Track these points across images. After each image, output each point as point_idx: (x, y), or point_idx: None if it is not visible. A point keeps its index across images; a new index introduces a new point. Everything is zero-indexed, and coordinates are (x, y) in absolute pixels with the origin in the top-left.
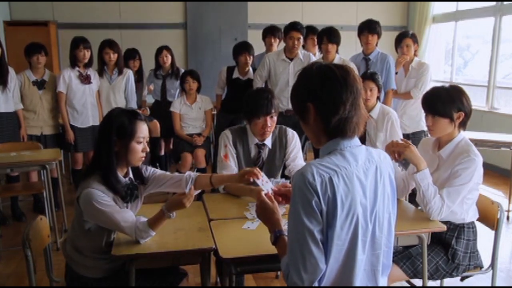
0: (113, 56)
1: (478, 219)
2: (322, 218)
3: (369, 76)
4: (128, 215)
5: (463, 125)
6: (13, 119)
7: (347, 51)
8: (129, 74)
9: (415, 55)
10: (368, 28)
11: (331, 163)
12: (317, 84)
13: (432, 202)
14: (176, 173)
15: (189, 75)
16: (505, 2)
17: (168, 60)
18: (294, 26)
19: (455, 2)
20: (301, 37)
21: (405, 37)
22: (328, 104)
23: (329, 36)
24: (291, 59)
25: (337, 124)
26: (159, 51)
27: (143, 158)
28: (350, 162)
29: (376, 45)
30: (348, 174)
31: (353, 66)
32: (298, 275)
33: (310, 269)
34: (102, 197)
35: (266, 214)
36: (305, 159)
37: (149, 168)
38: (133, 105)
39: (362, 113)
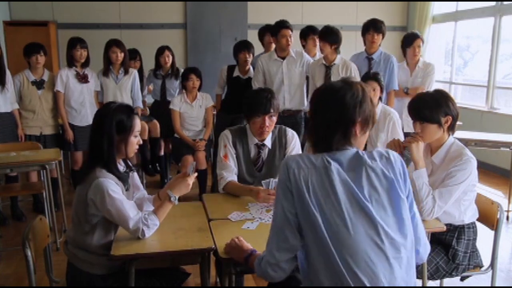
0: (120, 56)
1: (478, 219)
2: (294, 200)
3: (371, 76)
4: (134, 207)
5: (452, 129)
6: (12, 118)
7: (347, 51)
8: (135, 73)
9: (420, 55)
10: (374, 27)
11: (313, 159)
12: (314, 101)
13: (424, 202)
14: (143, 192)
15: (193, 72)
16: (504, 2)
17: (169, 60)
18: (284, 24)
19: (455, 3)
20: (291, 34)
21: (417, 38)
22: (314, 121)
23: (325, 36)
24: (283, 58)
25: (319, 139)
26: (161, 51)
27: (136, 150)
28: (331, 164)
29: (379, 45)
30: (324, 171)
31: (354, 67)
32: (271, 254)
33: (282, 246)
34: (114, 186)
35: (234, 249)
36: None
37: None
38: (139, 104)
39: (348, 130)
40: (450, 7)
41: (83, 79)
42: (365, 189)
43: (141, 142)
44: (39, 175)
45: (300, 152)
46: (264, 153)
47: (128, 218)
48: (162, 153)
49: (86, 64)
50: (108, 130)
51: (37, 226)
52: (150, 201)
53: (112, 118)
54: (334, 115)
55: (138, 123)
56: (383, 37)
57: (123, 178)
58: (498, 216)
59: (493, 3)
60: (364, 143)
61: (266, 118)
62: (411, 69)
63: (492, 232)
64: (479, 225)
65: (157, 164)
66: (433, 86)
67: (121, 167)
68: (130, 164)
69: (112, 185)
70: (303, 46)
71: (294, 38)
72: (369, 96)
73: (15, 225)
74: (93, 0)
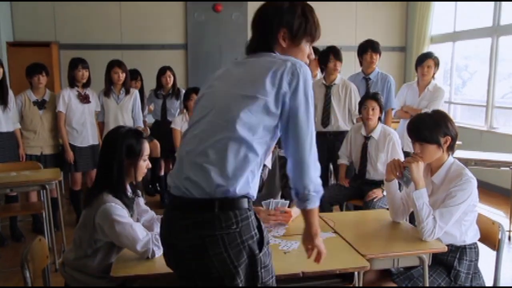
0: (122, 76)
1: (479, 240)
2: None
3: (371, 96)
4: (143, 229)
5: (451, 149)
6: (13, 138)
7: (346, 71)
8: (136, 93)
9: (433, 77)
10: (372, 47)
11: None
12: None
13: (424, 223)
14: (152, 213)
15: (195, 92)
16: (501, 24)
17: (170, 80)
18: None
19: (452, 23)
20: None
21: (428, 58)
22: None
23: (336, 53)
24: None
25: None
26: (162, 71)
27: (145, 174)
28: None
29: (376, 65)
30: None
31: (353, 87)
32: None
33: None
34: (121, 211)
35: None
36: None
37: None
38: (140, 124)
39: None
40: (448, 27)
41: (84, 99)
42: (255, 64)
43: (150, 165)
44: (39, 195)
45: None
46: (265, 174)
47: (137, 241)
48: (162, 173)
49: (87, 84)
50: (118, 154)
51: (36, 247)
52: (160, 221)
53: (122, 143)
54: (256, 20)
55: (147, 147)
56: (379, 57)
57: (128, 205)
58: (499, 237)
59: (490, 24)
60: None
61: None
62: (420, 90)
63: (494, 253)
64: (481, 246)
65: (157, 184)
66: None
67: (128, 192)
68: (137, 189)
69: (118, 210)
70: None
71: None
72: (302, 9)
73: (14, 246)
74: (95, 7)
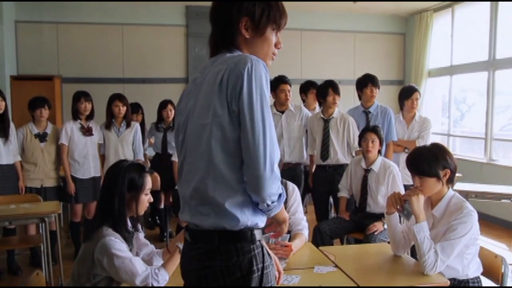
0: (122, 109)
1: (482, 273)
2: None
3: (371, 129)
4: (142, 263)
5: (451, 182)
6: (14, 170)
7: (344, 105)
8: (137, 126)
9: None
10: (372, 82)
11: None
12: None
13: (426, 256)
14: (151, 247)
15: None
16: (497, 57)
17: (171, 114)
18: (283, 79)
19: (449, 58)
20: (290, 88)
21: (415, 91)
22: None
23: (335, 87)
24: (282, 112)
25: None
26: (163, 105)
27: (146, 208)
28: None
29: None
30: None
31: (352, 120)
32: None
33: None
34: (120, 245)
35: None
36: (305, 212)
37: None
38: (141, 157)
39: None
40: (445, 61)
41: (87, 132)
42: (203, 85)
43: (151, 199)
44: (37, 227)
45: (301, 205)
46: None
47: (136, 275)
48: (162, 205)
49: (90, 116)
50: (119, 188)
51: (33, 281)
52: (159, 255)
53: (124, 176)
54: (214, 13)
55: (149, 181)
56: (379, 91)
57: (128, 239)
58: (502, 270)
59: (486, 58)
60: (266, 51)
61: None
62: (408, 122)
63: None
64: (484, 280)
65: (157, 217)
66: (431, 139)
67: (129, 226)
68: (137, 224)
69: (118, 244)
70: (303, 100)
71: (293, 92)
72: None
73: (11, 280)
74: (97, 41)
